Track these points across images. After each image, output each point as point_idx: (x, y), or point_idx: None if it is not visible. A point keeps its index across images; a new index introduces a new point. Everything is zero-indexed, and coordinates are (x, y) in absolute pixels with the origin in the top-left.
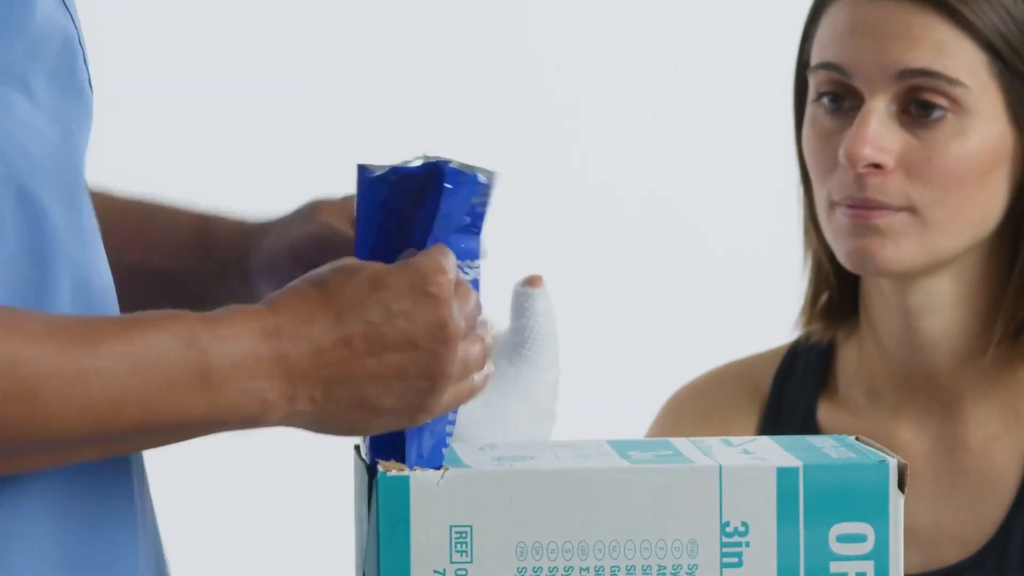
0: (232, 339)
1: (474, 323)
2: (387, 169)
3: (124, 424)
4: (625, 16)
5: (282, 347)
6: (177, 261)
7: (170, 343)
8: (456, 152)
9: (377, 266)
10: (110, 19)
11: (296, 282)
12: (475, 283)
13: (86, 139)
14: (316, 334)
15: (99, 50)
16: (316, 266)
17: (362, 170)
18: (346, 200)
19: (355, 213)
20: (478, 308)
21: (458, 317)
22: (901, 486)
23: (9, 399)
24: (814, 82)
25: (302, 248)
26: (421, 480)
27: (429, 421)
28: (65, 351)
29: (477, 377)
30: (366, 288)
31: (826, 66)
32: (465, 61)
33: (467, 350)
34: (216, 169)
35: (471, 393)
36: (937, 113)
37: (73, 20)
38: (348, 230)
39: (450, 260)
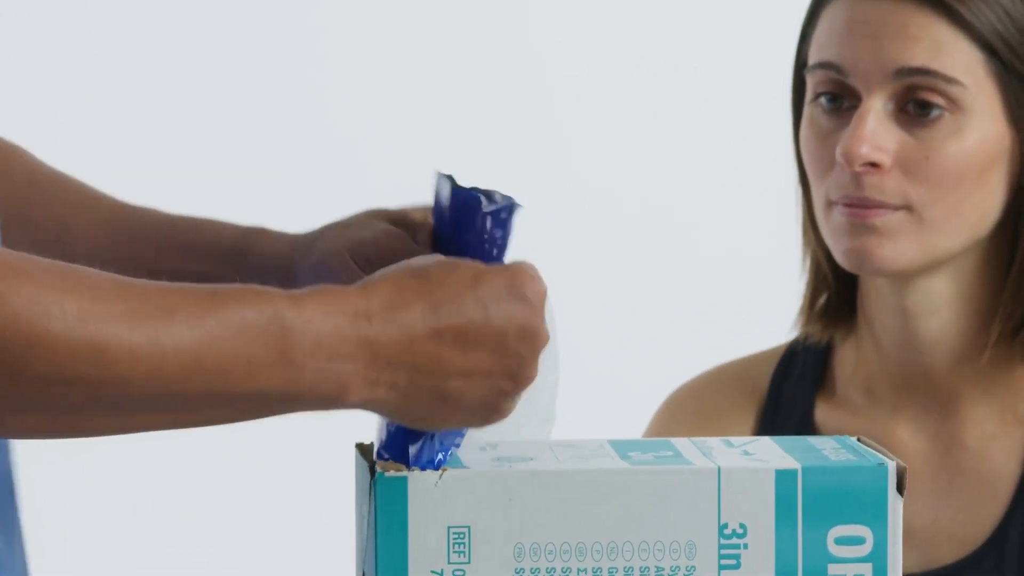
0: (317, 319)
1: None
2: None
3: (194, 393)
4: (624, 16)
5: (371, 331)
6: (217, 267)
7: (251, 317)
8: (454, 152)
9: (476, 264)
10: (109, 19)
11: (392, 269)
12: None
13: None
14: (409, 321)
15: (99, 50)
16: (376, 268)
17: (448, 181)
18: (403, 210)
19: (431, 220)
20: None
21: (545, 325)
22: (900, 489)
23: (76, 356)
24: (812, 82)
25: (364, 248)
26: (419, 480)
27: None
28: (136, 314)
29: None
30: (466, 283)
31: (823, 65)
32: (464, 61)
33: (535, 370)
34: (214, 169)
35: (509, 412)
36: (934, 112)
37: None
38: (409, 236)
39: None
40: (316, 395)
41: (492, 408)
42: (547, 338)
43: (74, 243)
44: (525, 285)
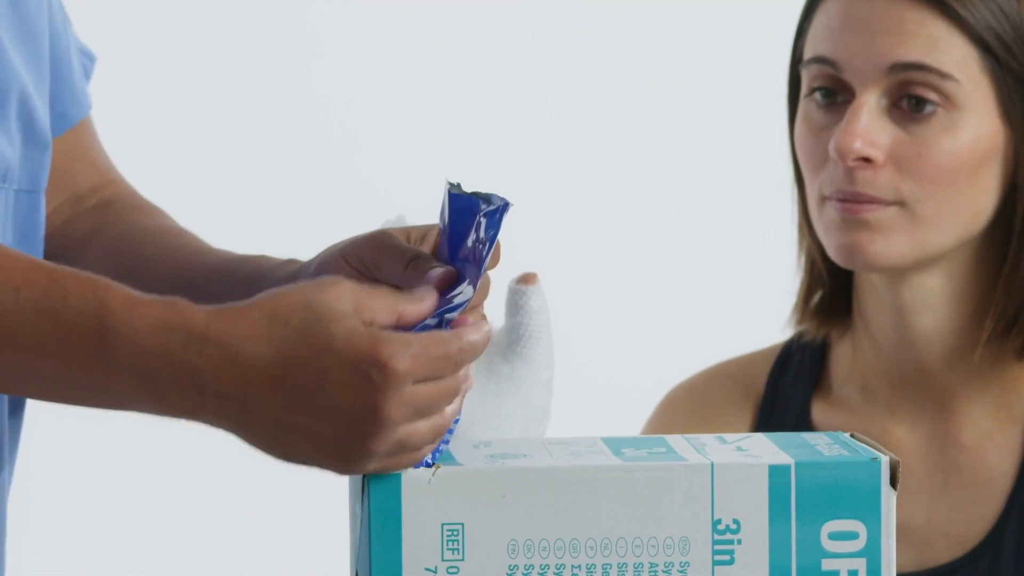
0: (143, 331)
1: (431, 400)
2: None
3: (4, 362)
4: (619, 13)
5: (198, 358)
6: (209, 278)
7: (75, 303)
8: (452, 150)
9: (342, 318)
10: (107, 18)
11: (265, 297)
12: (460, 306)
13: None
14: (245, 359)
15: (98, 49)
16: (367, 265)
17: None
18: (408, 228)
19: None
20: (441, 393)
21: (395, 403)
22: (893, 483)
23: None
24: (806, 77)
25: (354, 247)
26: (412, 478)
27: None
28: None
29: (425, 449)
30: (317, 342)
31: (818, 60)
32: (461, 60)
33: (407, 431)
34: (213, 169)
35: (411, 463)
36: (928, 108)
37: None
38: (403, 238)
39: (414, 343)
40: (137, 402)
41: (335, 463)
42: (390, 420)
43: (144, 284)
44: (371, 365)
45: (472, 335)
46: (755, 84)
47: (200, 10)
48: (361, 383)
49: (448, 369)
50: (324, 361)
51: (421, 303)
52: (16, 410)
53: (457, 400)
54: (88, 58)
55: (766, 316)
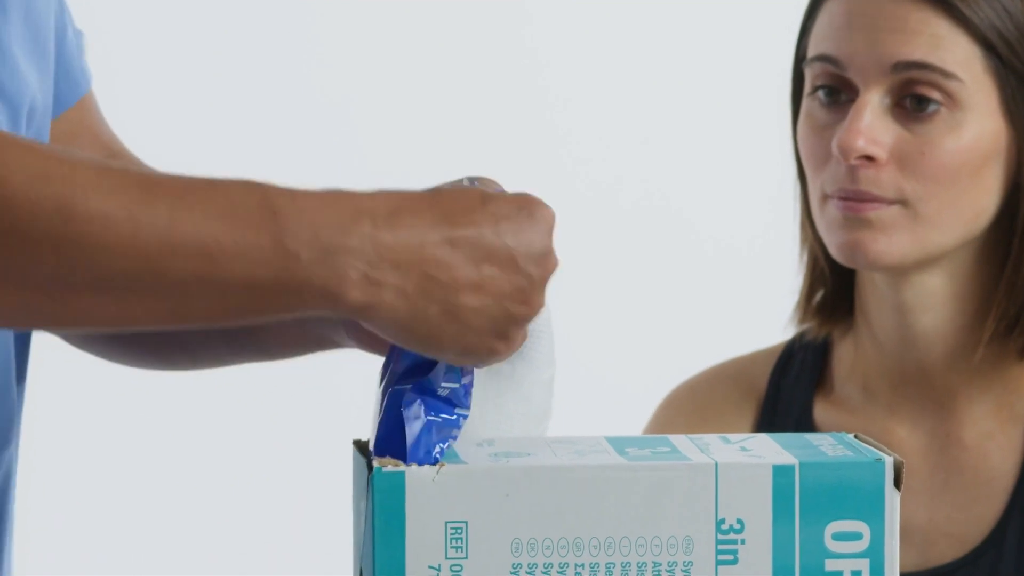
0: (312, 208)
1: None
2: None
3: (179, 274)
4: (619, 13)
5: (376, 229)
6: None
7: (239, 198)
8: (451, 152)
9: (485, 189)
10: (107, 18)
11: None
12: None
13: None
14: (420, 225)
15: (99, 49)
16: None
17: None
18: None
19: None
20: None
21: (555, 254)
22: (897, 484)
23: (38, 213)
24: (810, 75)
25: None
26: (417, 476)
27: (492, 362)
28: (108, 181)
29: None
30: (476, 199)
31: (821, 58)
32: (461, 60)
33: (543, 303)
34: (212, 170)
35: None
36: (931, 107)
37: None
38: None
39: None
40: (314, 289)
41: (500, 334)
42: (557, 263)
43: None
44: (534, 206)
45: None
46: (755, 84)
47: (200, 10)
48: (530, 225)
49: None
50: (491, 209)
51: None
52: (21, 378)
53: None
54: (78, 33)
55: (767, 315)
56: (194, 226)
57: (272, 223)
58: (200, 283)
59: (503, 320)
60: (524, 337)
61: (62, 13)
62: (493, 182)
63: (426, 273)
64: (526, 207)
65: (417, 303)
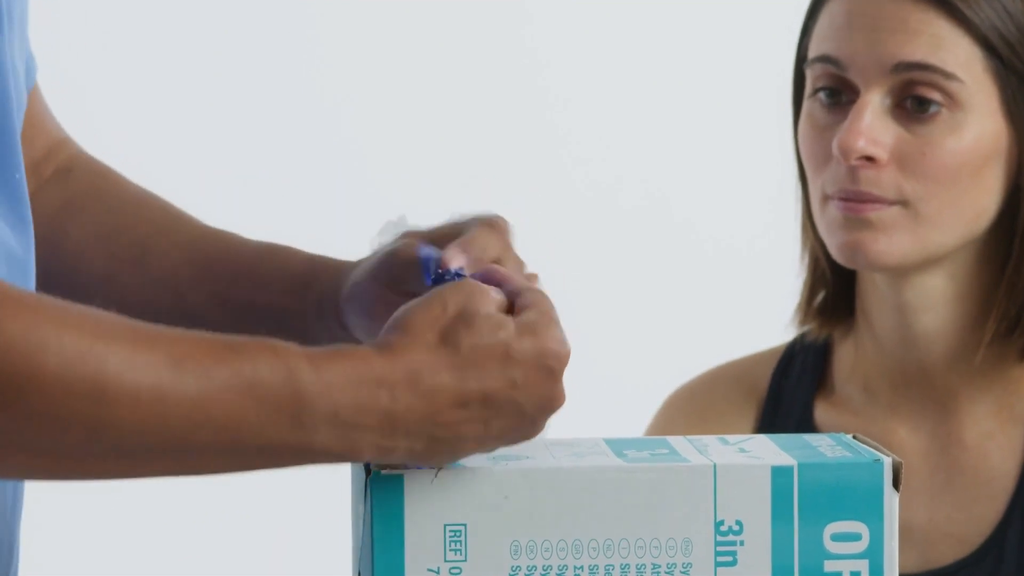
0: (337, 387)
1: None
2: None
3: (200, 444)
4: (619, 13)
5: (393, 404)
6: (284, 298)
7: (265, 374)
8: (452, 152)
9: (503, 323)
10: (111, 18)
11: (416, 323)
12: None
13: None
14: (435, 391)
15: (103, 49)
16: (392, 279)
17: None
18: (439, 228)
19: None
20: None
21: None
22: (896, 485)
23: (73, 394)
24: (811, 76)
25: (382, 264)
26: (415, 478)
27: None
28: (140, 357)
29: None
30: (497, 360)
31: (822, 59)
32: (460, 60)
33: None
34: (213, 170)
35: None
36: (932, 108)
37: None
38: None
39: (553, 315)
40: (327, 454)
41: (493, 447)
42: (563, 401)
43: (151, 267)
44: (551, 358)
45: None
46: (755, 85)
47: (200, 10)
48: (544, 380)
49: None
50: (507, 369)
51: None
52: None
53: None
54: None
55: (768, 317)
56: (221, 405)
57: (295, 403)
58: (219, 451)
59: (500, 444)
60: None
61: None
62: (502, 223)
63: (434, 435)
64: (544, 361)
65: (423, 457)
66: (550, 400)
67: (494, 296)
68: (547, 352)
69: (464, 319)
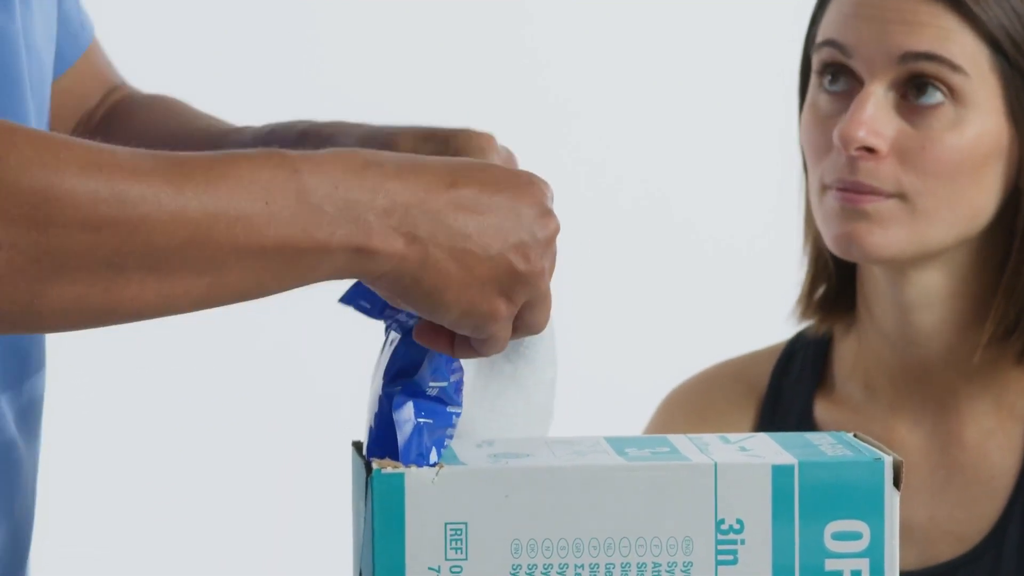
0: (327, 164)
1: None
2: None
3: (220, 243)
4: (620, 13)
5: (384, 178)
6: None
7: (262, 163)
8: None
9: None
10: (113, 18)
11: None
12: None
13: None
14: (427, 177)
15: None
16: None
17: None
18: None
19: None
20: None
21: (557, 222)
22: (897, 483)
23: (97, 199)
24: (816, 60)
25: (401, 136)
26: (416, 477)
27: (503, 336)
28: (146, 163)
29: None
30: (478, 164)
31: (828, 43)
32: (461, 60)
33: (548, 284)
34: None
35: (545, 321)
36: (936, 98)
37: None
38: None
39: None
40: (341, 244)
41: (503, 290)
42: (558, 226)
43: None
44: (531, 175)
45: None
46: (756, 83)
47: (203, 9)
48: (529, 185)
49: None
50: (491, 169)
51: None
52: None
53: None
54: None
55: (768, 315)
56: (229, 193)
57: (295, 181)
58: (237, 252)
59: (506, 273)
60: (540, 306)
61: None
62: (488, 138)
63: (434, 219)
64: (524, 174)
65: (427, 248)
66: (541, 210)
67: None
68: (525, 172)
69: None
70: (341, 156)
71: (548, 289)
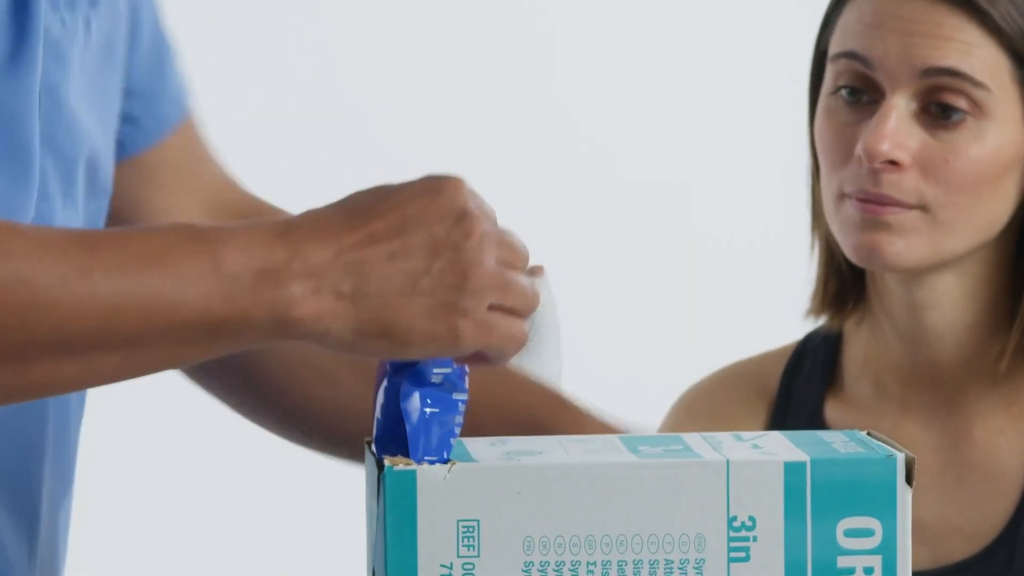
0: (242, 234)
1: (513, 261)
2: None
3: (136, 320)
4: (628, 9)
5: (296, 244)
6: None
7: (174, 238)
8: (461, 146)
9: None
10: None
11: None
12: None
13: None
14: (337, 230)
15: None
16: None
17: None
18: None
19: None
20: (518, 251)
21: (480, 216)
22: (909, 480)
23: (19, 311)
24: (833, 70)
25: None
26: (428, 475)
27: (471, 347)
28: (66, 256)
29: (513, 340)
30: (378, 194)
31: (849, 55)
32: (468, 55)
33: (505, 274)
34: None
35: (513, 330)
36: (957, 116)
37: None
38: None
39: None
40: (261, 313)
41: (452, 309)
42: (483, 221)
43: None
44: (435, 180)
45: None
46: (767, 82)
47: (210, 9)
48: (435, 193)
49: (517, 263)
50: (394, 193)
51: None
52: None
53: (526, 323)
54: (165, 57)
55: (779, 315)
56: (141, 273)
57: (210, 254)
58: (153, 330)
59: (447, 294)
60: (496, 325)
61: (156, 43)
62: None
63: (356, 272)
64: (428, 184)
65: (359, 303)
66: (456, 216)
67: None
68: (431, 177)
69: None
70: (255, 226)
71: (506, 277)
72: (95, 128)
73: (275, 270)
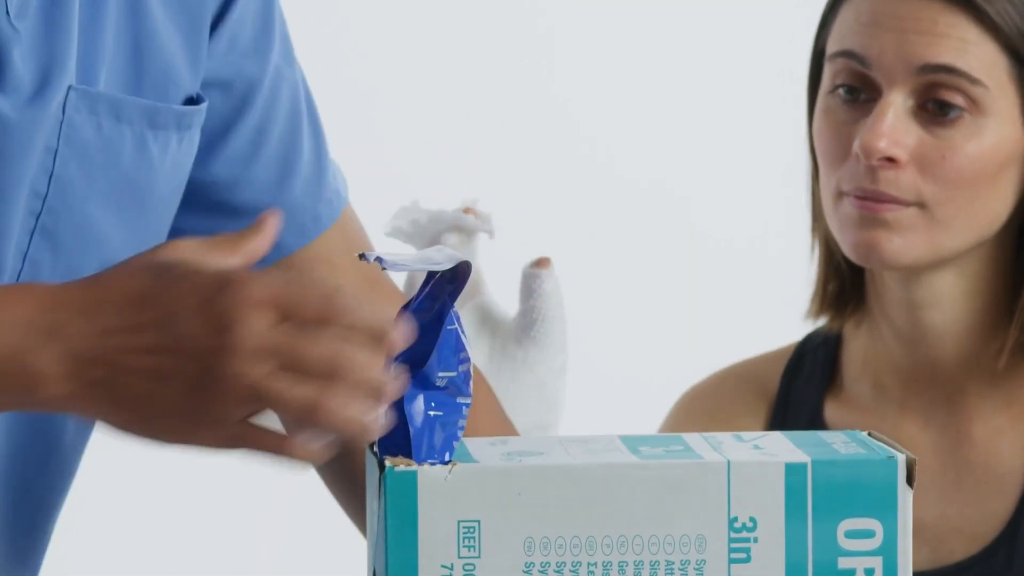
0: (6, 307)
1: (302, 351)
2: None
3: None
4: (628, 9)
5: (58, 315)
6: None
7: None
8: (464, 144)
9: (186, 267)
10: None
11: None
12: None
13: None
14: (103, 316)
15: None
16: None
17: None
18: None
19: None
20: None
21: (253, 331)
22: (910, 481)
23: None
24: (831, 70)
25: None
26: (429, 475)
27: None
28: None
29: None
30: (171, 276)
31: (846, 54)
32: (469, 55)
33: (267, 382)
34: None
35: (277, 447)
36: (954, 113)
37: None
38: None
39: (276, 277)
40: (8, 383)
41: (191, 417)
42: (245, 340)
43: None
44: (225, 285)
45: (363, 309)
46: (767, 81)
47: None
48: (213, 305)
49: (325, 320)
50: (177, 289)
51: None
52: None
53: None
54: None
55: (781, 315)
56: None
57: None
58: None
59: (183, 403)
60: (246, 432)
61: (290, 115)
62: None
63: (112, 360)
64: (207, 291)
65: (106, 387)
66: (219, 330)
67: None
68: (223, 279)
69: (154, 259)
70: (22, 292)
71: (269, 386)
72: (115, 234)
73: (30, 348)
